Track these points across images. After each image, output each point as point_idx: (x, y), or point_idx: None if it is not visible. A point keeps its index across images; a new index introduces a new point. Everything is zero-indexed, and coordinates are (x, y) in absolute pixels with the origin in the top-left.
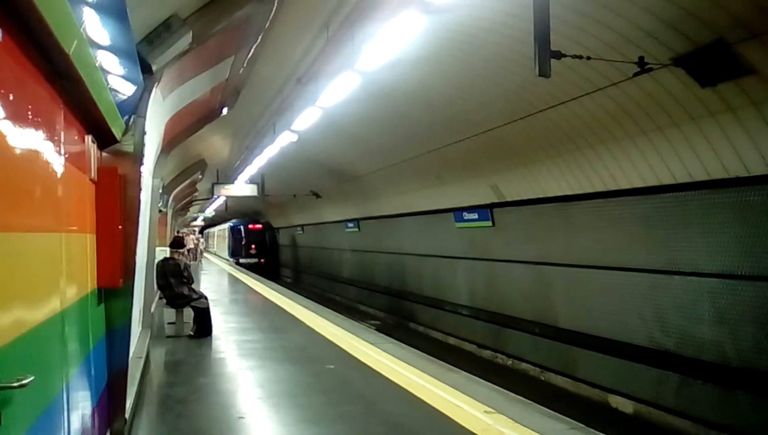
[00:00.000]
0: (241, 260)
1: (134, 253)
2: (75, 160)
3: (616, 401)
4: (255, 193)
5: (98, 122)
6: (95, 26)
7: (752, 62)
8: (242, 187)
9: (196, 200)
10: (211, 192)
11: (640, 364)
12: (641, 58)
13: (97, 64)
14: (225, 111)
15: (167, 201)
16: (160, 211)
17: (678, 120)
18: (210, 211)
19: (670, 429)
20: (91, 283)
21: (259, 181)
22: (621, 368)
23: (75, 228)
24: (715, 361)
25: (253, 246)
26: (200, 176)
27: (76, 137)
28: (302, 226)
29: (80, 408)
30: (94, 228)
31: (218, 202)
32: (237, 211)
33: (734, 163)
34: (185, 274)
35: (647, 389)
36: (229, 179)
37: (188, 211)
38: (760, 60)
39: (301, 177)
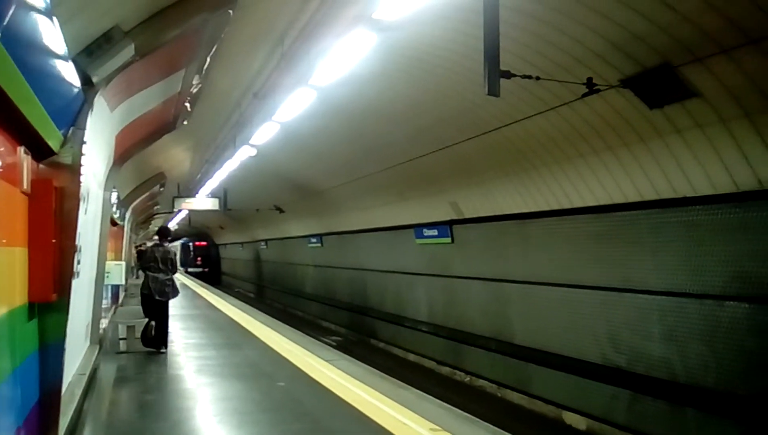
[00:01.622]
0: (190, 269)
1: (71, 267)
2: (4, 172)
3: (570, 418)
4: (217, 207)
5: (32, 134)
6: (23, 35)
7: (696, 85)
8: (204, 201)
9: (158, 214)
10: (172, 205)
11: (593, 381)
12: (590, 79)
13: (22, 75)
14: (180, 124)
15: (125, 214)
16: (117, 223)
17: (628, 140)
18: (173, 225)
19: None
20: (20, 298)
21: (222, 195)
22: (575, 385)
23: (4, 241)
24: (664, 378)
25: (199, 258)
26: (161, 189)
27: (3, 149)
28: (266, 240)
29: (3, 426)
30: (26, 241)
31: (181, 216)
32: (185, 232)
33: (682, 183)
34: (172, 261)
35: (600, 406)
36: (191, 193)
37: (150, 224)
38: (703, 83)
39: (264, 191)
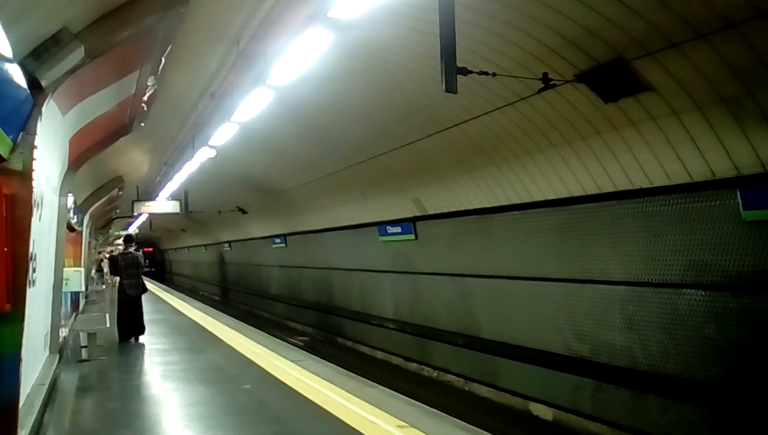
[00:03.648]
0: None
1: (25, 276)
2: None
3: (537, 409)
4: (177, 210)
5: None
6: None
7: (649, 79)
8: (164, 204)
9: (117, 218)
10: (132, 209)
11: (558, 372)
12: (545, 75)
13: None
14: (137, 126)
15: (82, 219)
16: (74, 229)
17: (585, 134)
18: (133, 229)
19: (588, 434)
20: None
21: (182, 197)
22: (540, 376)
23: None
24: (626, 366)
25: (147, 261)
26: (119, 193)
27: None
28: (230, 242)
29: None
30: None
31: (142, 220)
32: (136, 240)
33: (638, 175)
34: (139, 265)
35: (565, 396)
36: (151, 196)
37: (110, 228)
38: (656, 77)
39: (225, 193)
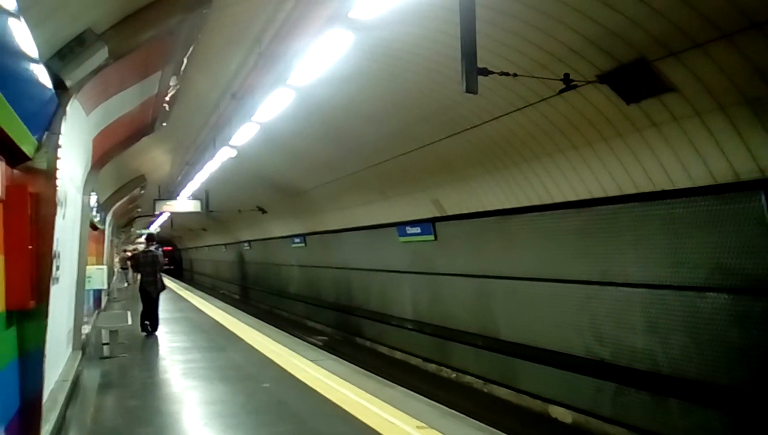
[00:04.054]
0: None
1: (49, 273)
2: None
3: (556, 411)
4: (199, 209)
5: (5, 139)
6: None
7: (672, 79)
8: (185, 203)
9: (139, 216)
10: (153, 208)
11: (578, 374)
12: (567, 75)
13: None
14: (159, 126)
15: (105, 218)
16: (97, 227)
17: (606, 135)
18: (155, 228)
19: None
20: None
21: (203, 196)
22: (560, 379)
23: None
24: (647, 370)
25: (167, 259)
26: (141, 192)
27: None
28: (249, 241)
29: None
30: (2, 249)
31: (163, 219)
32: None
33: (660, 176)
34: (160, 263)
35: (585, 399)
36: (172, 195)
37: (132, 226)
38: (679, 77)
39: (245, 192)
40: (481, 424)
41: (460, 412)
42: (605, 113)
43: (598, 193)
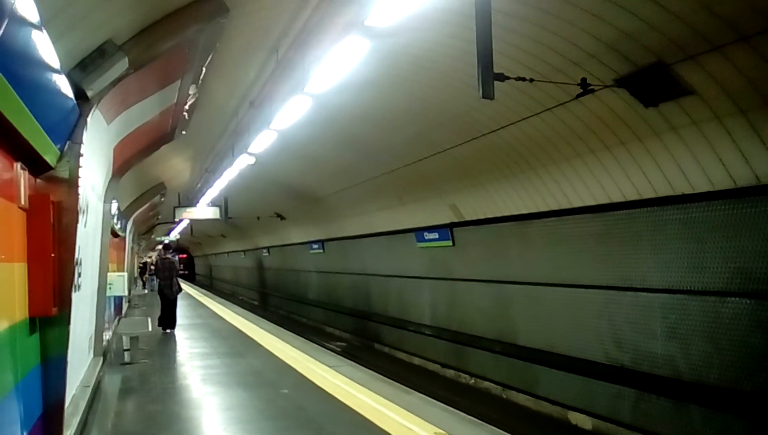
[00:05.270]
0: None
1: (71, 281)
2: (1, 188)
3: (576, 418)
4: (218, 216)
5: (28, 149)
6: (15, 51)
7: (690, 83)
8: (205, 210)
9: (159, 223)
10: (173, 215)
11: (597, 381)
12: (584, 80)
13: (15, 91)
14: (179, 134)
15: (126, 225)
16: (117, 235)
17: (624, 139)
18: (175, 235)
19: None
20: (20, 313)
21: (222, 203)
22: (580, 385)
23: (2, 257)
24: (668, 376)
25: (181, 265)
26: (161, 199)
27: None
28: (268, 248)
29: None
30: (25, 256)
31: (183, 226)
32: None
33: (680, 180)
34: (177, 269)
35: (605, 405)
36: (192, 202)
37: (153, 234)
38: (697, 80)
39: (264, 199)
40: (500, 430)
41: (479, 418)
42: (623, 117)
43: (617, 198)
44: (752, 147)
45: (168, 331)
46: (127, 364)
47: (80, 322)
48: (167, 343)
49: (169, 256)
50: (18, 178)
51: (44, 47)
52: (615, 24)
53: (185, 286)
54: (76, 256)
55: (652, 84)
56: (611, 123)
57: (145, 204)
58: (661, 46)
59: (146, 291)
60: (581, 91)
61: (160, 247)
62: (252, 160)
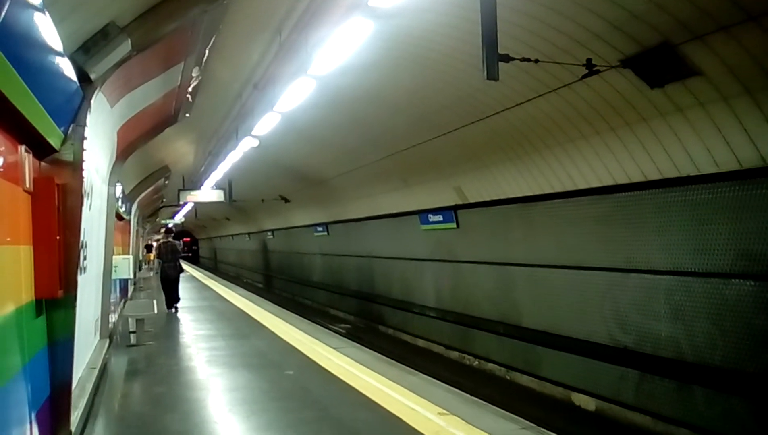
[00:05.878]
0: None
1: (76, 263)
2: (5, 171)
3: (579, 399)
4: (222, 199)
5: (32, 132)
6: (17, 34)
7: (697, 63)
8: (209, 193)
9: (164, 206)
10: (178, 198)
11: (601, 362)
12: (589, 60)
13: (18, 74)
14: (182, 116)
15: (130, 208)
16: (122, 218)
17: (630, 120)
18: (180, 218)
19: (631, 425)
20: (26, 295)
21: (226, 186)
22: (583, 366)
23: (8, 240)
24: (672, 357)
25: (185, 248)
26: (165, 182)
27: (4, 148)
28: (272, 230)
29: (14, 420)
30: (30, 239)
31: (187, 208)
32: (177, 232)
33: (685, 162)
34: (177, 251)
35: (608, 386)
36: (196, 185)
37: (157, 217)
38: (704, 61)
39: (268, 182)
40: (503, 411)
41: (482, 399)
42: (629, 98)
43: (622, 180)
44: (758, 128)
45: (173, 310)
46: (133, 346)
47: (86, 304)
48: (173, 325)
49: (170, 239)
50: (22, 161)
51: (47, 30)
52: (621, 4)
53: (190, 269)
54: (82, 238)
55: (658, 64)
56: (617, 104)
57: (150, 187)
58: (668, 26)
59: (151, 274)
60: (587, 72)
61: (163, 230)
62: (256, 143)
